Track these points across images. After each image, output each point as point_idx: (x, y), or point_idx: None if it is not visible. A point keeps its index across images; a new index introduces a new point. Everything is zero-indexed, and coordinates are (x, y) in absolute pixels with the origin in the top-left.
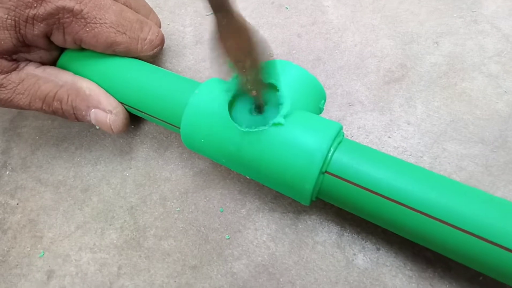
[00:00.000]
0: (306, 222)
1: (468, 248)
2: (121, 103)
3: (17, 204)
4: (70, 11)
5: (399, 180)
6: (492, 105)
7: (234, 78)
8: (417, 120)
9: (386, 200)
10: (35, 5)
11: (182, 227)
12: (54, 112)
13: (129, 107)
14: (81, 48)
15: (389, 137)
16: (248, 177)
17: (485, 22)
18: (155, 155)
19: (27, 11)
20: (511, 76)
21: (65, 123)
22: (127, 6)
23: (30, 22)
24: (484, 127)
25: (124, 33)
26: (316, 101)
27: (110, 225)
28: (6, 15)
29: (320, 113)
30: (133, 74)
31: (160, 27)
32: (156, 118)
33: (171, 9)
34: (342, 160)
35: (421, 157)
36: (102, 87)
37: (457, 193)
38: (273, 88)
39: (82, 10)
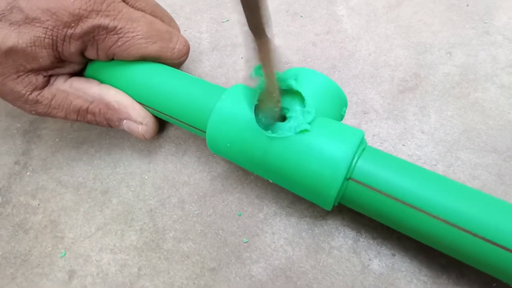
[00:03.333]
0: (323, 227)
1: (489, 255)
2: (147, 106)
3: (38, 204)
4: (105, 28)
5: (422, 187)
6: (504, 115)
7: (259, 85)
8: (431, 129)
9: (409, 207)
10: (73, 24)
11: (200, 230)
12: (89, 123)
13: (155, 111)
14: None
15: (403, 145)
16: (266, 182)
17: (497, 34)
18: (173, 159)
19: (65, 30)
20: None
21: (85, 126)
22: (153, 15)
23: (67, 40)
24: (496, 136)
25: (155, 43)
26: (338, 108)
27: (130, 226)
28: (44, 35)
29: (342, 120)
30: (159, 80)
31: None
32: (182, 122)
33: (188, 16)
34: (365, 167)
35: (435, 165)
36: (129, 94)
37: (477, 200)
38: (298, 94)
39: (116, 26)
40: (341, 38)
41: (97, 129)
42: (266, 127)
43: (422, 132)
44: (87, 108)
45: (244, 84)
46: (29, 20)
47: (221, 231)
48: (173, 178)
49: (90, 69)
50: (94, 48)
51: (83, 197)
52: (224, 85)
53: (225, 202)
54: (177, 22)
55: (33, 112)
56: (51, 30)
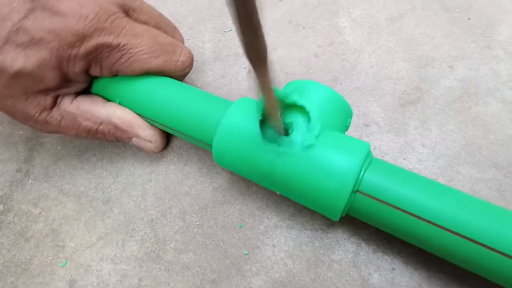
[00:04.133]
0: (323, 240)
1: (497, 264)
2: (152, 120)
3: (40, 213)
4: (109, 46)
5: (429, 198)
6: (505, 130)
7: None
8: (432, 143)
9: (416, 218)
10: (77, 44)
11: (201, 241)
12: (99, 139)
13: (160, 125)
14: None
15: (404, 158)
16: (267, 194)
17: (498, 48)
18: (175, 169)
19: (69, 50)
20: None
21: None
22: (157, 28)
23: (72, 60)
24: (497, 152)
25: (158, 57)
26: (343, 119)
27: (131, 237)
28: (50, 56)
29: (347, 130)
30: (164, 94)
31: (183, 43)
32: (188, 136)
33: (191, 25)
34: (372, 179)
35: (436, 179)
36: (135, 109)
37: (484, 210)
38: (303, 109)
39: (119, 44)
40: (344, 50)
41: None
42: (272, 140)
43: (423, 146)
44: (97, 129)
45: (250, 98)
46: (35, 41)
47: (221, 243)
48: (175, 189)
49: (96, 86)
50: (98, 66)
51: (85, 206)
52: (226, 95)
53: (226, 214)
54: (180, 32)
55: (44, 131)
56: (56, 50)
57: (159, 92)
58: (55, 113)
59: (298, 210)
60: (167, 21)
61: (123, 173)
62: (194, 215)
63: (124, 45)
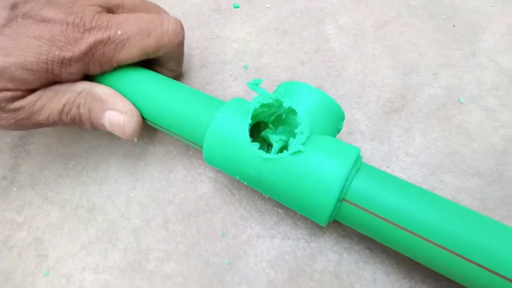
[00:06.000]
0: (305, 249)
1: (484, 280)
2: (144, 119)
3: (23, 221)
4: (100, 42)
5: (418, 210)
6: (488, 139)
7: (255, 100)
8: (415, 151)
9: (403, 230)
10: (69, 47)
11: (184, 250)
12: (72, 120)
13: (151, 123)
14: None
15: (387, 167)
16: (250, 202)
17: (483, 55)
18: (159, 177)
19: (62, 53)
20: (507, 110)
21: (74, 141)
22: (139, 11)
23: (67, 63)
24: (480, 160)
25: (149, 35)
26: (335, 122)
27: (113, 246)
28: (37, 59)
29: (339, 133)
30: (155, 90)
31: None
32: (179, 135)
33: None
34: (360, 188)
35: None
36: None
37: (475, 225)
38: (292, 112)
39: (109, 36)
40: (329, 57)
41: (86, 144)
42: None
43: (407, 154)
44: (74, 100)
45: (242, 99)
46: (17, 47)
47: (204, 252)
48: (159, 197)
49: None
50: (96, 65)
51: (69, 215)
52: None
53: (209, 222)
54: None
55: (12, 120)
56: (45, 55)
57: (150, 89)
58: (31, 96)
59: (280, 219)
60: (150, 4)
61: (108, 181)
62: (177, 224)
63: (113, 35)
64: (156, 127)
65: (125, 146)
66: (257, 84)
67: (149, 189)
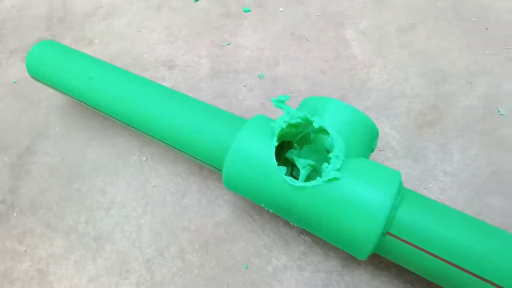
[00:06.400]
0: (339, 284)
1: None
2: (153, 137)
3: (25, 250)
4: None
5: (468, 243)
6: None
7: (281, 119)
8: (455, 170)
9: (451, 265)
10: None
11: (202, 284)
12: None
13: (161, 142)
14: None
15: (424, 188)
16: (274, 229)
17: None
18: (172, 200)
19: None
20: None
21: (77, 161)
22: None
23: None
24: None
25: None
26: (369, 142)
27: (125, 279)
28: None
29: (372, 152)
30: (166, 106)
31: None
32: (193, 157)
33: (186, 38)
34: (404, 219)
35: None
36: (136, 125)
37: None
38: (324, 132)
39: None
40: (351, 65)
41: (89, 164)
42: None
43: (445, 173)
44: None
45: (264, 116)
46: None
47: (225, 287)
48: (172, 223)
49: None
50: None
51: (74, 243)
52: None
53: (230, 252)
54: (175, 46)
55: None
56: None
57: (158, 104)
58: None
59: (309, 248)
60: None
61: (115, 205)
62: (194, 254)
63: None
64: (167, 146)
65: (133, 165)
66: (283, 102)
67: (161, 214)
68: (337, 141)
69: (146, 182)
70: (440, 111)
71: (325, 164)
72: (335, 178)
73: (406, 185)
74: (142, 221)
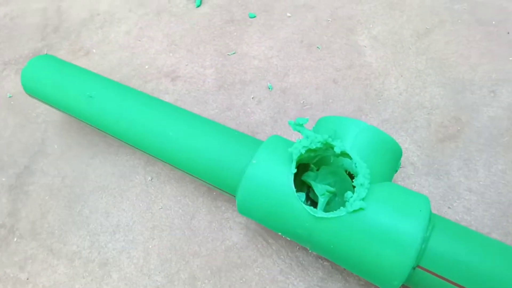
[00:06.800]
0: None
1: None
2: (162, 161)
3: (27, 278)
4: None
5: (503, 276)
6: None
7: (299, 144)
8: (480, 187)
9: None
10: None
11: None
12: None
13: (167, 164)
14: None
15: (449, 207)
16: (290, 253)
17: None
18: (180, 223)
19: None
20: None
21: (78, 181)
22: None
23: None
24: None
25: None
26: (393, 163)
27: None
28: None
29: (396, 172)
30: (173, 126)
31: None
32: (207, 183)
33: (189, 47)
34: (436, 251)
35: (489, 233)
36: (142, 147)
37: None
38: (346, 156)
39: None
40: (366, 74)
41: (91, 185)
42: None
43: (470, 191)
44: None
45: (280, 137)
46: None
47: None
48: (182, 248)
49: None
50: None
51: (79, 271)
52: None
53: (244, 279)
54: (177, 55)
55: None
56: None
57: (166, 126)
58: None
59: (328, 275)
60: None
61: (120, 229)
62: (206, 281)
63: None
64: (173, 168)
65: (138, 186)
66: (301, 125)
67: (170, 238)
68: (361, 167)
69: (152, 204)
70: (463, 124)
71: (349, 193)
72: (361, 209)
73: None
74: (150, 246)
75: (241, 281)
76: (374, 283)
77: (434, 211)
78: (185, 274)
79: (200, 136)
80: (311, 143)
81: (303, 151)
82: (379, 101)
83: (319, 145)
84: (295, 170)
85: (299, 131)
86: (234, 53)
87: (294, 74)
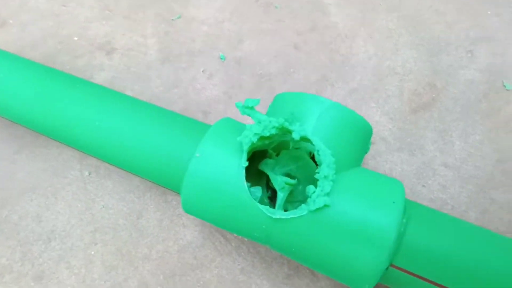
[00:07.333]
0: None
1: None
2: (95, 157)
3: None
4: None
5: (483, 270)
6: None
7: (251, 130)
8: (456, 162)
9: None
10: None
11: None
12: None
13: (103, 160)
14: None
15: (423, 185)
16: (252, 250)
17: None
18: (126, 224)
19: None
20: None
21: (3, 182)
22: None
23: None
24: None
25: None
26: (363, 145)
27: None
28: None
29: (367, 153)
30: (110, 119)
31: None
32: (148, 180)
33: (126, 14)
34: (411, 248)
35: (466, 211)
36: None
37: None
38: (307, 141)
39: None
40: (331, 37)
41: (19, 185)
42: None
43: (446, 167)
44: None
45: (230, 120)
46: None
47: None
48: (129, 252)
49: None
50: None
51: (10, 287)
52: (182, 112)
53: (202, 282)
54: (112, 23)
55: None
56: None
57: (97, 114)
58: None
59: (294, 270)
60: None
61: (56, 235)
62: (159, 287)
63: None
64: (120, 167)
65: (74, 183)
66: (251, 108)
67: (115, 242)
68: (325, 156)
69: (92, 203)
70: (438, 90)
71: (311, 187)
72: (325, 206)
73: (403, 184)
74: (92, 253)
75: (199, 285)
76: (345, 284)
77: (407, 191)
78: (135, 281)
79: (136, 126)
80: (264, 129)
81: (254, 140)
82: (347, 68)
83: (274, 131)
84: (247, 163)
85: (249, 115)
86: (179, 18)
87: (250, 40)
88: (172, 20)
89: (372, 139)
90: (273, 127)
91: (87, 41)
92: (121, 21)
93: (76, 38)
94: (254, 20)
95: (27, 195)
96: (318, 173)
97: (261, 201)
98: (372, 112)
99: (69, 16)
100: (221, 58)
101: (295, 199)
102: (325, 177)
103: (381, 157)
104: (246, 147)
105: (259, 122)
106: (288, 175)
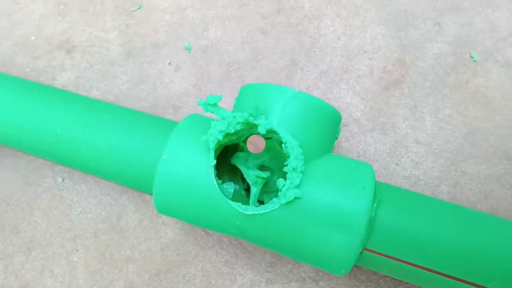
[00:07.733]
0: None
1: None
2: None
3: None
4: None
5: (457, 248)
6: None
7: (215, 127)
8: (428, 137)
9: (438, 275)
10: None
11: None
12: None
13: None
14: None
15: (396, 164)
16: (234, 242)
17: None
18: (106, 227)
19: None
20: None
21: None
22: None
23: None
24: (506, 136)
25: None
26: (331, 132)
27: None
28: None
29: (337, 139)
30: (71, 126)
31: None
32: (123, 185)
33: (83, 7)
34: (384, 231)
35: (438, 186)
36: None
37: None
38: (275, 133)
39: None
40: (298, 18)
41: None
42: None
43: (418, 143)
44: None
45: (198, 117)
46: None
47: None
48: (112, 255)
49: None
50: None
51: None
52: (152, 109)
53: (187, 278)
54: (69, 18)
55: None
56: None
57: (58, 119)
58: None
59: (276, 258)
60: None
61: (36, 245)
62: (145, 287)
63: None
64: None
65: (48, 190)
66: (214, 104)
67: (96, 246)
68: (292, 148)
69: (69, 210)
70: (407, 66)
71: (281, 181)
72: (296, 198)
73: (376, 163)
74: (75, 259)
75: (184, 281)
76: (323, 269)
77: (381, 171)
78: (121, 283)
79: (100, 130)
80: (228, 126)
81: (220, 137)
82: (315, 50)
83: (239, 126)
84: (215, 162)
85: (212, 112)
86: (139, 8)
87: (215, 27)
88: (132, 11)
89: (345, 121)
90: (238, 122)
91: (44, 40)
92: (79, 15)
93: (33, 38)
94: (218, 5)
95: (1, 207)
96: (287, 168)
97: (237, 195)
98: (343, 94)
99: (23, 14)
100: (187, 49)
101: (271, 189)
102: (294, 169)
103: (355, 139)
104: (212, 145)
105: (223, 118)
106: (262, 166)
